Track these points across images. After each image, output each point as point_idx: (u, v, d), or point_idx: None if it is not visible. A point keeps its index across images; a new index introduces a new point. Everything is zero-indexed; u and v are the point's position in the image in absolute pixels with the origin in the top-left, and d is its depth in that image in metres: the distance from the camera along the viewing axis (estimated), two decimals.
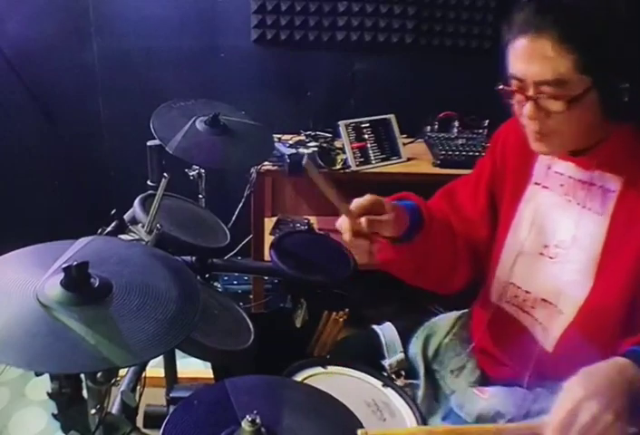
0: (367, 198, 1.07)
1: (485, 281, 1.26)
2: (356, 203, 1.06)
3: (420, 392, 1.22)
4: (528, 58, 0.96)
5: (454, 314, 1.37)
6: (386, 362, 1.27)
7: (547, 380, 1.08)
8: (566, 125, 0.98)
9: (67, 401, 0.84)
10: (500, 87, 1.03)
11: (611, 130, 1.00)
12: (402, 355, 1.28)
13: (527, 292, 1.15)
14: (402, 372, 1.26)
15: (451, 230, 1.23)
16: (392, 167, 2.28)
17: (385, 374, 1.22)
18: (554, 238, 1.11)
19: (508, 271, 1.18)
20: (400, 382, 1.21)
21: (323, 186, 1.04)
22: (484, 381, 1.21)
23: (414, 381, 1.24)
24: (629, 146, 1.02)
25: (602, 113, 0.97)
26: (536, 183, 1.16)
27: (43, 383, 0.85)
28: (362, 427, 0.81)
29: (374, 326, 1.37)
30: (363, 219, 1.04)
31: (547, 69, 0.94)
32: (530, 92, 0.97)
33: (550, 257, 1.11)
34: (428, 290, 1.26)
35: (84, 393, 0.84)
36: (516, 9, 1.00)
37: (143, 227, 1.27)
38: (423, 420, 1.05)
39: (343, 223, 1.06)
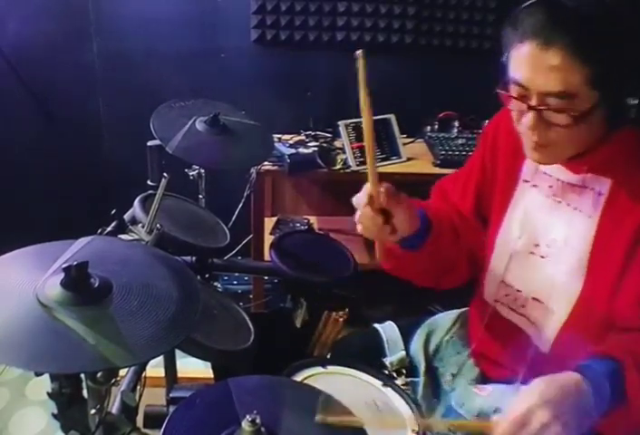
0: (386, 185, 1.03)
1: (478, 280, 1.26)
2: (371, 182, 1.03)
3: (420, 389, 1.22)
4: (536, 67, 0.91)
5: (454, 313, 1.37)
6: (387, 360, 1.27)
7: None
8: (567, 138, 0.95)
9: (67, 401, 0.84)
10: (499, 91, 0.98)
11: (609, 136, 0.98)
12: (403, 353, 1.29)
13: (518, 290, 1.15)
14: (403, 371, 1.26)
15: (454, 229, 1.22)
16: (392, 167, 2.28)
17: (386, 372, 1.23)
18: (545, 238, 1.10)
19: (499, 270, 1.17)
20: (400, 381, 1.21)
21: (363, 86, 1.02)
22: (483, 379, 1.22)
23: (415, 379, 1.24)
24: (624, 151, 1.00)
25: (605, 127, 0.95)
26: (525, 181, 1.14)
27: (43, 383, 0.85)
28: (362, 429, 0.81)
29: (376, 325, 1.37)
30: (383, 188, 1.02)
31: (556, 81, 0.89)
32: (534, 102, 0.93)
33: (542, 256, 1.11)
34: (426, 287, 1.25)
35: (84, 393, 0.84)
36: (524, 11, 0.93)
37: (143, 227, 1.27)
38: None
39: (362, 192, 1.03)
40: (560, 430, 0.82)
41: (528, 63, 0.91)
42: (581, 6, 0.88)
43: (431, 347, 1.29)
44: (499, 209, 1.18)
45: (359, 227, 1.06)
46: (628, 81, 0.91)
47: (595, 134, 0.97)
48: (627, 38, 0.89)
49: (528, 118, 0.94)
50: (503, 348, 1.18)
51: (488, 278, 1.21)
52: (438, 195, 1.31)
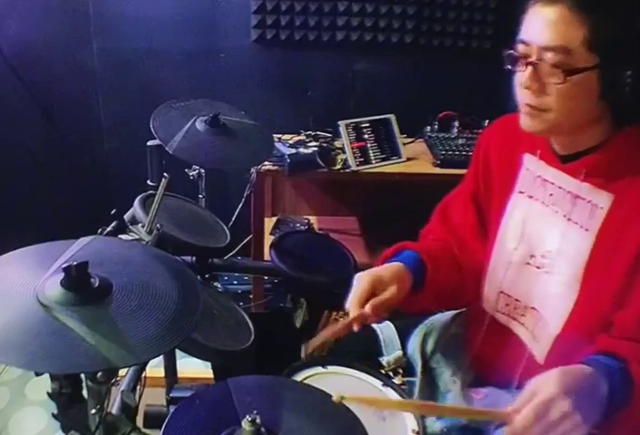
0: (365, 284, 1.08)
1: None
2: (357, 294, 1.08)
3: (416, 389, 1.22)
4: (538, 23, 0.95)
5: (452, 313, 1.36)
6: (384, 360, 1.27)
7: None
8: (559, 102, 0.96)
9: (67, 401, 0.85)
10: (508, 52, 1.01)
11: (606, 136, 0.99)
12: (399, 352, 1.29)
13: (516, 300, 1.15)
14: (400, 370, 1.26)
15: (454, 258, 1.23)
16: (392, 167, 2.28)
17: (383, 371, 1.23)
18: (540, 248, 1.10)
19: (497, 280, 1.18)
20: (397, 380, 1.21)
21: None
22: (478, 383, 1.21)
23: (412, 379, 1.24)
24: (622, 158, 0.99)
25: (598, 99, 0.95)
26: (520, 192, 1.14)
27: (43, 383, 0.85)
28: (362, 428, 0.81)
29: (374, 325, 1.37)
30: (367, 307, 1.06)
31: (555, 35, 0.93)
32: (533, 58, 0.96)
33: (537, 267, 1.11)
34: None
35: (84, 393, 0.85)
36: None
37: (143, 227, 1.27)
38: (422, 420, 1.05)
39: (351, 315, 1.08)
40: (580, 421, 0.82)
41: (534, 20, 0.97)
42: None
43: (429, 347, 1.29)
44: (495, 220, 1.19)
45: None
46: (627, 48, 0.92)
47: (589, 108, 0.97)
48: (632, 8, 0.93)
49: (525, 74, 0.97)
50: (500, 356, 1.17)
51: (486, 289, 1.21)
52: (439, 217, 1.31)
